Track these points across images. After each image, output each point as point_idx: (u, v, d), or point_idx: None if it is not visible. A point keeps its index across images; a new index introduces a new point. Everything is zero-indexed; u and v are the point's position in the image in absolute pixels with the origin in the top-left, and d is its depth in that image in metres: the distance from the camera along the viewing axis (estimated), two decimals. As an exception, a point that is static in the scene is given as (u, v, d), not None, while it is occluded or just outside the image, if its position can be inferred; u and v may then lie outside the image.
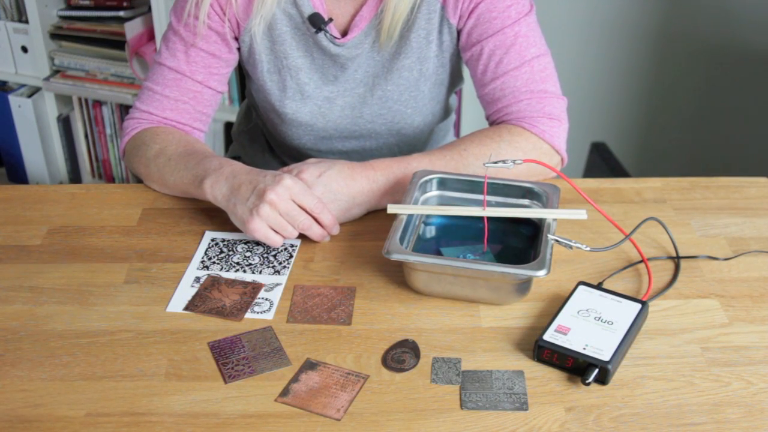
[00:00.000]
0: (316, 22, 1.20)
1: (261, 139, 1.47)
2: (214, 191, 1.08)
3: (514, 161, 1.05)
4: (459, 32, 1.22)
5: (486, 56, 1.20)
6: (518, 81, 1.19)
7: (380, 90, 1.26)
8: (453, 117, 1.48)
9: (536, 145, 1.18)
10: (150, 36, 2.35)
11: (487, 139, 1.16)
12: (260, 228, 1.03)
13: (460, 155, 1.15)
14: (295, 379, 0.89)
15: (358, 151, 1.35)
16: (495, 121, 1.23)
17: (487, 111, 1.24)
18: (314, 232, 1.07)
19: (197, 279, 1.04)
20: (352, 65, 1.25)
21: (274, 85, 1.27)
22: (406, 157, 1.16)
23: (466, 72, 1.35)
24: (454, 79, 1.33)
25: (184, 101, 1.23)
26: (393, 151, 1.35)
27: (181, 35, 1.22)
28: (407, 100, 1.28)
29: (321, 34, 1.21)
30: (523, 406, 0.86)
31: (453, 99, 1.43)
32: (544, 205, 1.08)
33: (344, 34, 1.23)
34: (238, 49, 1.26)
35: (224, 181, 1.07)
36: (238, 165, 1.10)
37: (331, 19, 1.21)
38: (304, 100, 1.27)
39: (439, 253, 1.05)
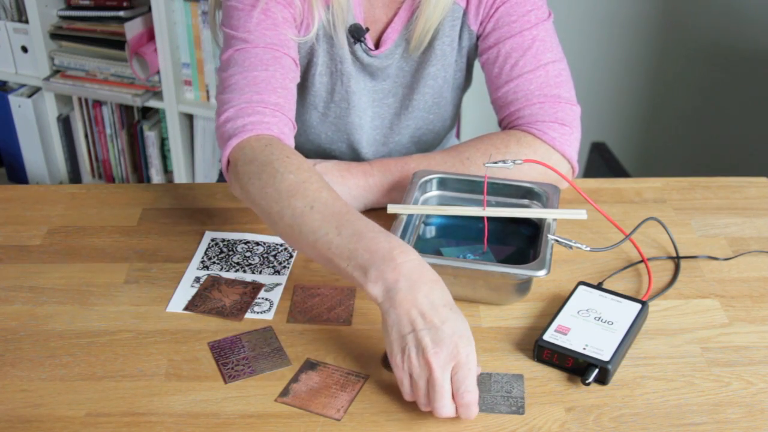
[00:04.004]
0: (357, 33, 1.18)
1: None
2: (373, 290, 0.85)
3: (514, 161, 1.05)
4: (478, 37, 1.22)
5: (502, 58, 1.18)
6: (532, 84, 1.16)
7: (407, 99, 1.27)
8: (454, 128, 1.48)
9: (545, 156, 1.14)
10: (150, 36, 2.35)
11: (493, 149, 1.13)
12: (401, 378, 0.83)
13: (463, 164, 1.14)
14: (295, 379, 0.89)
15: None
16: (507, 126, 1.20)
17: (500, 115, 1.21)
18: (445, 411, 0.82)
19: (197, 279, 1.04)
20: (381, 75, 1.24)
21: (322, 87, 1.24)
22: (404, 157, 1.16)
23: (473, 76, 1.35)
24: (467, 82, 1.34)
25: (290, 79, 1.08)
26: None
27: (265, 14, 1.09)
28: (431, 107, 1.28)
29: (357, 45, 1.20)
30: (519, 410, 0.85)
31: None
32: (544, 205, 1.08)
33: (376, 44, 1.22)
34: None
35: (384, 290, 0.84)
36: (410, 265, 0.84)
37: (368, 29, 1.20)
38: (350, 108, 1.26)
39: (439, 253, 1.05)
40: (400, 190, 1.14)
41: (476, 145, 1.15)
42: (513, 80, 1.17)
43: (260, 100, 1.04)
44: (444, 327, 0.80)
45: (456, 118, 1.39)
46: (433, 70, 1.23)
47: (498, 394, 0.87)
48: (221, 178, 1.58)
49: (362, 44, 1.20)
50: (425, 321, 0.81)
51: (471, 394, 0.80)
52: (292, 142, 1.07)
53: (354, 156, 1.33)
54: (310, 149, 1.35)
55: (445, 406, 0.80)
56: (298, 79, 1.13)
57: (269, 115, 1.04)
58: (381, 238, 0.86)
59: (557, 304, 0.99)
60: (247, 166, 0.99)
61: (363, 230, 0.87)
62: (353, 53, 1.21)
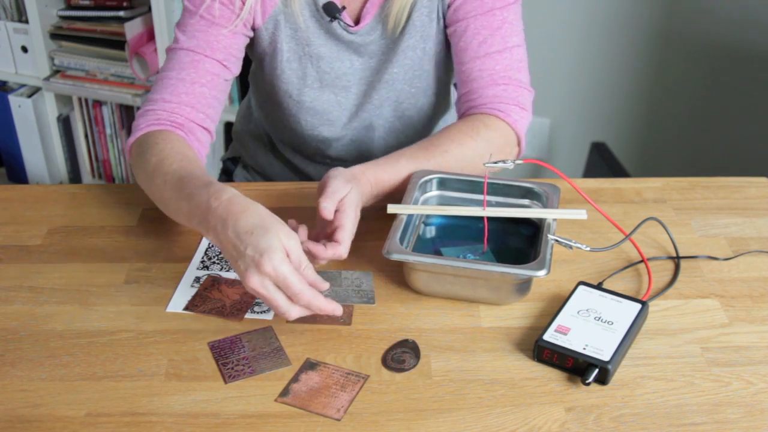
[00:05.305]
0: (331, 10, 1.20)
1: (264, 138, 1.47)
2: (211, 239, 0.95)
3: (514, 161, 1.05)
4: (449, 6, 1.23)
5: (470, 34, 1.21)
6: (498, 65, 1.20)
7: (387, 74, 1.28)
8: (453, 112, 1.48)
9: (507, 138, 1.20)
10: (150, 36, 2.35)
11: (467, 138, 1.16)
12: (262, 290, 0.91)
13: (443, 158, 1.14)
14: (295, 379, 0.89)
15: (365, 141, 1.35)
16: (468, 101, 1.22)
17: (462, 89, 1.24)
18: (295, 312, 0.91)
19: (197, 279, 1.04)
20: (366, 52, 1.26)
21: (293, 74, 1.27)
22: (391, 160, 1.13)
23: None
24: (451, 60, 1.34)
25: (201, 83, 1.16)
26: (399, 138, 1.35)
27: (202, 16, 1.17)
28: (411, 79, 1.29)
29: (335, 23, 1.22)
30: (370, 300, 0.94)
31: (453, 93, 1.44)
32: (544, 205, 1.08)
33: (357, 21, 1.24)
34: (251, 37, 1.25)
35: (213, 236, 0.94)
36: (222, 207, 0.92)
37: (344, 7, 1.22)
38: (323, 88, 1.28)
39: (439, 253, 1.05)
40: (391, 194, 1.12)
41: (449, 135, 1.17)
42: (480, 58, 1.21)
43: (162, 101, 1.15)
44: (247, 251, 0.88)
45: (445, 97, 1.38)
46: (412, 42, 1.25)
47: (349, 288, 0.94)
48: (221, 177, 1.58)
49: (339, 22, 1.21)
50: (237, 251, 0.90)
51: (300, 296, 0.88)
52: (185, 139, 1.13)
53: (335, 134, 1.33)
54: (292, 138, 1.36)
55: (300, 301, 0.89)
56: (220, 80, 1.18)
57: (164, 118, 1.14)
58: (202, 192, 0.96)
59: (557, 304, 0.99)
60: (135, 158, 1.13)
61: (192, 189, 0.98)
62: (329, 32, 1.23)
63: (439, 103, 1.37)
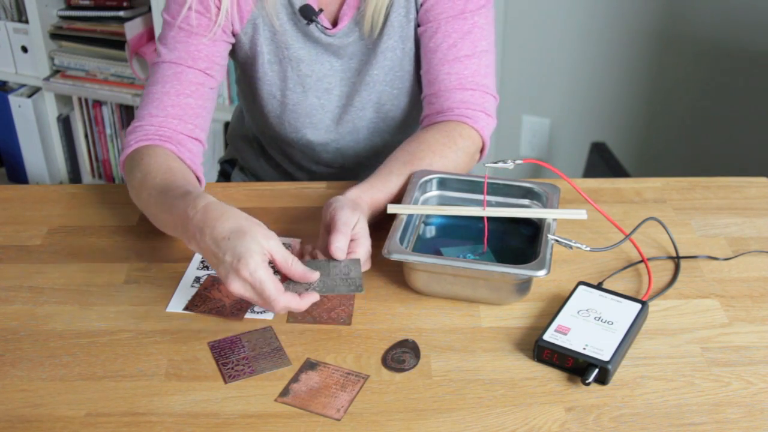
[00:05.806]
0: (308, 13, 1.21)
1: (254, 141, 1.47)
2: (192, 248, 0.96)
3: (514, 161, 1.05)
4: (421, 5, 1.23)
5: (441, 36, 1.21)
6: (467, 70, 1.21)
7: (368, 76, 1.28)
8: None
9: (477, 146, 1.21)
10: (150, 36, 2.35)
11: (447, 149, 1.16)
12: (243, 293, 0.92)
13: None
14: (295, 379, 0.89)
15: (350, 145, 1.35)
16: (434, 103, 1.22)
17: (428, 89, 1.24)
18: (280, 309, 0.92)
19: (197, 279, 1.04)
20: (345, 54, 1.26)
21: (275, 76, 1.27)
22: (382, 179, 1.12)
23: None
24: None
25: (187, 95, 1.17)
26: (384, 137, 1.35)
27: (181, 27, 1.18)
28: (392, 80, 1.29)
29: (312, 26, 1.22)
30: (358, 288, 0.92)
31: None
32: (544, 205, 1.08)
33: (334, 24, 1.24)
34: (233, 43, 1.26)
35: (195, 245, 0.94)
36: (199, 215, 0.93)
37: (321, 10, 1.22)
38: (305, 92, 1.28)
39: (439, 253, 1.05)
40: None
41: (429, 146, 1.16)
42: (449, 62, 1.21)
43: (149, 116, 1.15)
44: (226, 257, 0.89)
45: None
46: (391, 43, 1.25)
47: (337, 277, 0.93)
48: (220, 178, 1.59)
49: (317, 25, 1.21)
50: (216, 258, 0.90)
51: (275, 303, 0.89)
52: (175, 151, 1.14)
53: (320, 139, 1.33)
54: (279, 142, 1.36)
55: (276, 307, 0.89)
56: (204, 89, 1.19)
57: (152, 133, 1.14)
58: (180, 203, 0.97)
59: (557, 304, 0.99)
60: (126, 175, 1.14)
61: (172, 200, 0.99)
62: (307, 35, 1.23)
63: (420, 101, 1.37)
